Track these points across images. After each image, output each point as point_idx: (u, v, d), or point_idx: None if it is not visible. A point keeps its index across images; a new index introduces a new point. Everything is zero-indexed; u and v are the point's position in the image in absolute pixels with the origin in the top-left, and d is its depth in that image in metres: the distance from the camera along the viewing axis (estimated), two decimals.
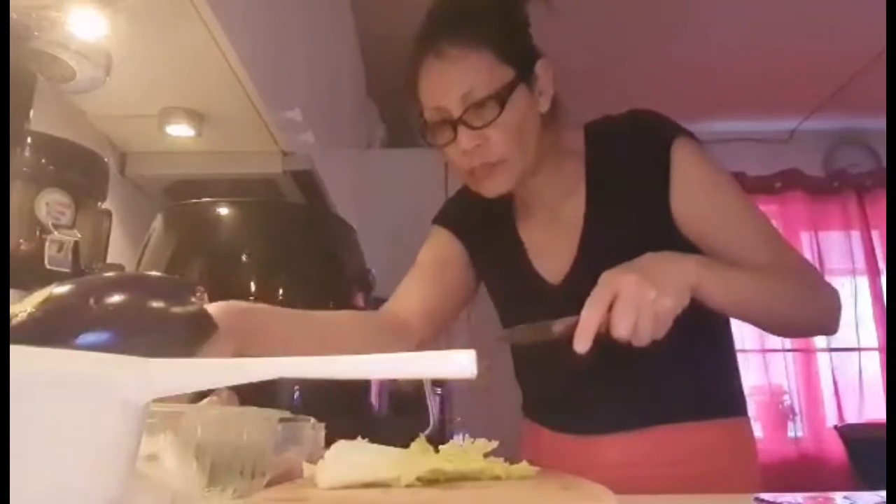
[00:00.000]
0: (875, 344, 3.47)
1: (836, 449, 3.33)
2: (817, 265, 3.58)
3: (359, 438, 0.61)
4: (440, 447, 0.60)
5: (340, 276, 1.32)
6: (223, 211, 1.26)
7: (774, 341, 3.35)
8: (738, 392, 1.04)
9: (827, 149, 3.75)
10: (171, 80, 1.30)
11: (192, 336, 0.71)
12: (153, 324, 0.68)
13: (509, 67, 0.90)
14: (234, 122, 1.44)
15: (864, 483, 3.19)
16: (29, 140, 0.99)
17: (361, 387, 1.34)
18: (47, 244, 0.95)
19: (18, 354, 0.26)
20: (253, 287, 1.19)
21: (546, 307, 0.79)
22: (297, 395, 1.17)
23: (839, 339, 3.44)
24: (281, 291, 1.21)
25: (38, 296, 0.64)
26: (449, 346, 0.35)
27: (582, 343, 0.74)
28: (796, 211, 3.65)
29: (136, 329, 0.66)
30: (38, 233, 0.95)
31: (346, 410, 1.21)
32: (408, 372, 0.36)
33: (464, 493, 0.53)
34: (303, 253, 1.26)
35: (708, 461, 0.95)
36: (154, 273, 1.10)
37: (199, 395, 0.73)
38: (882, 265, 3.55)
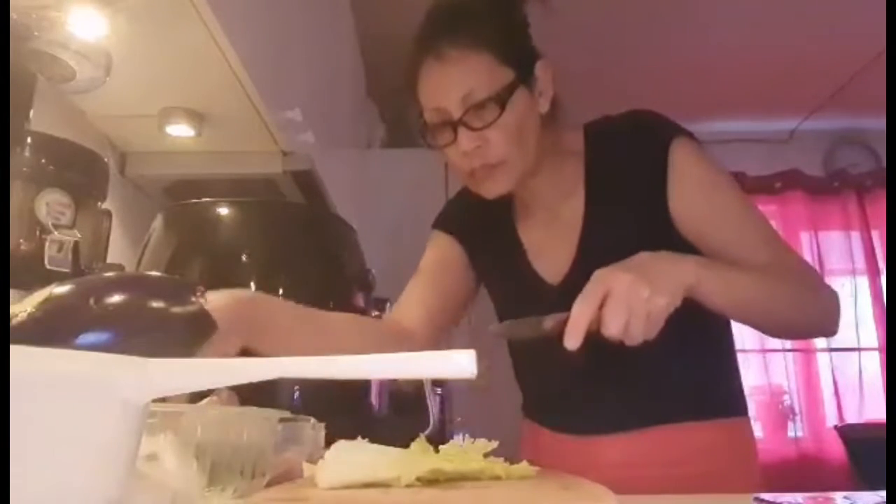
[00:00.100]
0: (875, 344, 3.47)
1: (836, 449, 3.33)
2: (817, 265, 3.58)
3: (359, 438, 0.61)
4: (440, 447, 0.60)
5: (340, 276, 1.32)
6: (223, 211, 1.26)
7: (774, 341, 3.35)
8: (738, 392, 1.04)
9: (827, 149, 3.75)
10: (171, 80, 1.30)
11: (192, 336, 0.71)
12: (153, 324, 0.68)
13: (509, 69, 0.90)
14: (234, 122, 1.44)
15: (864, 483, 3.19)
16: (29, 140, 0.99)
17: (361, 387, 1.34)
18: (47, 244, 0.95)
19: (18, 354, 0.26)
20: (253, 287, 1.19)
21: (545, 307, 0.78)
22: (297, 395, 1.17)
23: (839, 339, 3.44)
24: (281, 291, 1.21)
25: (38, 296, 0.64)
26: (449, 346, 0.35)
27: (572, 339, 0.73)
28: (796, 211, 3.65)
29: (136, 329, 0.66)
30: (38, 233, 0.95)
31: (346, 410, 1.21)
32: (408, 372, 0.36)
33: (464, 493, 0.53)
34: (303, 253, 1.26)
35: (708, 461, 0.95)
36: (154, 273, 1.10)
37: (199, 395, 0.73)
38: (882, 265, 3.55)
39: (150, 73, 1.27)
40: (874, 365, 3.46)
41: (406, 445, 0.59)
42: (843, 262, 3.61)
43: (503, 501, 0.51)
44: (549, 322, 0.77)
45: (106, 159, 1.11)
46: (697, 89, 3.22)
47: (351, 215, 1.85)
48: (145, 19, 1.09)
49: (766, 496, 0.65)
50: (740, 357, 1.07)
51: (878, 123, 3.49)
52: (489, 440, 0.61)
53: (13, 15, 0.94)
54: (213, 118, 1.43)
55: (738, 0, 2.64)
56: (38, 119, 1.08)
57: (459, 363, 0.33)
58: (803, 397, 3.48)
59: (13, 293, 0.86)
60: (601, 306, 0.74)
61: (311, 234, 1.31)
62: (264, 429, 0.59)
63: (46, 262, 0.95)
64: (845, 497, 0.65)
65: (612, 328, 0.73)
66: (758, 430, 3.35)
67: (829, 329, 0.93)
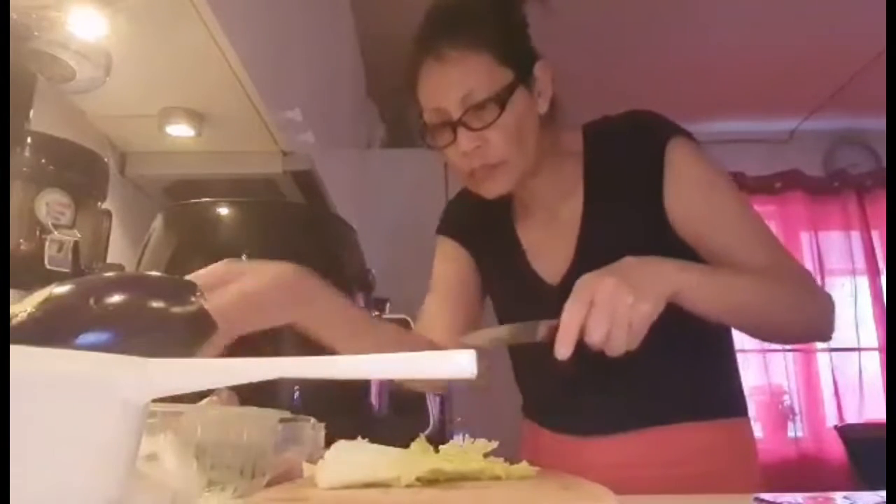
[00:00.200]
0: (875, 344, 3.47)
1: (836, 449, 3.33)
2: (817, 265, 3.59)
3: (359, 438, 0.61)
4: (440, 447, 0.60)
5: (340, 276, 1.32)
6: (223, 211, 1.26)
7: None
8: (737, 392, 1.04)
9: (827, 149, 3.75)
10: (171, 80, 1.30)
11: (192, 336, 0.71)
12: (153, 324, 0.67)
13: (508, 69, 0.90)
14: (234, 122, 1.44)
15: (864, 483, 3.19)
16: (29, 140, 0.99)
17: (361, 387, 1.34)
18: (47, 244, 0.95)
19: (18, 354, 0.26)
20: None
21: (545, 308, 0.78)
22: (297, 395, 1.17)
23: (839, 339, 3.44)
24: None
25: (38, 296, 0.64)
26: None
27: (564, 349, 0.73)
28: (796, 211, 3.65)
29: (136, 329, 0.66)
30: (38, 233, 0.95)
31: (346, 410, 1.21)
32: (408, 372, 0.36)
33: (464, 493, 0.53)
34: (303, 253, 1.26)
35: (708, 461, 0.95)
36: (154, 273, 1.09)
37: (199, 395, 0.73)
38: (882, 265, 3.55)
39: (150, 73, 1.27)
40: (874, 365, 3.46)
41: (406, 445, 0.59)
42: (843, 262, 3.61)
43: (503, 501, 0.51)
44: (543, 329, 0.76)
45: (106, 159, 1.11)
46: (697, 89, 3.22)
47: (351, 215, 1.85)
48: (145, 19, 1.09)
49: (766, 496, 0.65)
50: (740, 357, 1.07)
51: (878, 123, 3.49)
52: (489, 440, 0.61)
53: (13, 15, 0.94)
54: (213, 118, 1.43)
55: (738, 0, 2.64)
56: (38, 119, 1.08)
57: (459, 363, 0.33)
58: (803, 397, 3.48)
59: (13, 293, 0.86)
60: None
61: (311, 234, 1.31)
62: (264, 429, 0.59)
63: (46, 262, 0.95)
64: (845, 497, 0.65)
65: (595, 336, 0.72)
66: (758, 430, 3.35)
67: (824, 334, 0.92)
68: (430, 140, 0.94)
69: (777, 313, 0.87)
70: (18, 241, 0.94)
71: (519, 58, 0.92)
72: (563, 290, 0.81)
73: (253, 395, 0.59)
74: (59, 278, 0.74)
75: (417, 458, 0.57)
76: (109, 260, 1.21)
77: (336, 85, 2.25)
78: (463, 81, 0.88)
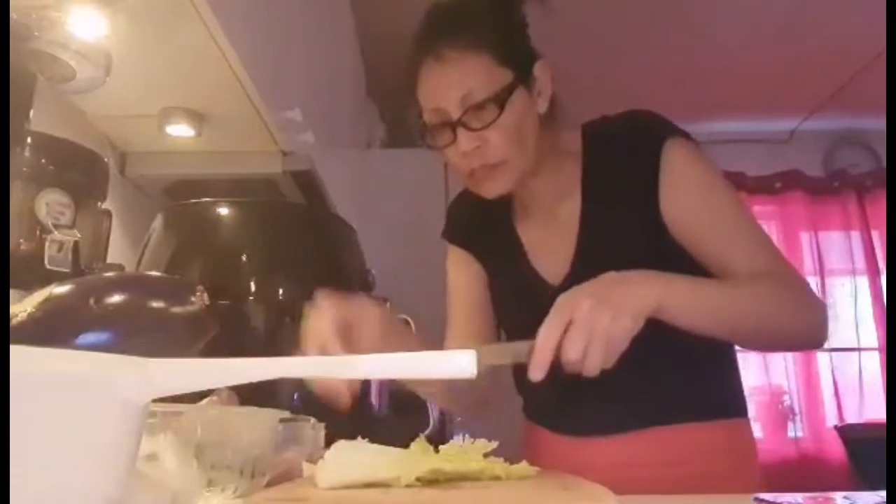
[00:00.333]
0: (875, 344, 3.47)
1: (836, 449, 3.33)
2: (817, 265, 3.59)
3: (359, 438, 0.61)
4: (440, 447, 0.60)
5: (340, 276, 1.32)
6: (223, 211, 1.26)
7: None
8: (738, 393, 1.04)
9: (827, 149, 3.75)
10: (171, 80, 1.30)
11: (192, 336, 0.71)
12: (153, 324, 0.68)
13: (508, 69, 0.90)
14: (234, 122, 1.44)
15: (864, 483, 3.19)
16: (29, 140, 0.99)
17: (361, 387, 1.34)
18: (47, 244, 0.95)
19: (18, 354, 0.26)
20: (253, 287, 1.19)
21: (546, 308, 0.78)
22: (296, 395, 1.17)
23: (839, 339, 3.44)
24: (281, 291, 1.21)
25: (38, 296, 0.64)
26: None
27: (538, 371, 0.72)
28: (796, 211, 3.65)
29: (136, 329, 0.66)
30: (38, 233, 0.95)
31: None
32: (408, 372, 0.36)
33: (464, 493, 0.53)
34: (303, 253, 1.26)
35: (708, 462, 0.95)
36: (154, 273, 1.10)
37: (199, 395, 0.73)
38: (882, 265, 3.55)
39: (150, 73, 1.27)
40: (874, 365, 3.46)
41: (406, 445, 0.59)
42: (843, 262, 3.61)
43: (503, 501, 0.51)
44: (524, 348, 0.75)
45: (106, 159, 1.11)
46: (697, 89, 3.22)
47: (351, 215, 1.85)
48: (145, 19, 1.09)
49: (766, 496, 0.65)
50: (740, 357, 1.07)
51: (878, 123, 3.49)
52: (489, 440, 0.61)
53: (13, 15, 0.94)
54: (213, 118, 1.43)
55: (738, 0, 2.64)
56: (38, 119, 1.08)
57: (459, 363, 0.33)
58: (803, 397, 3.48)
59: (13, 293, 0.86)
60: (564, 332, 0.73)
61: (311, 234, 1.31)
62: (264, 429, 0.59)
63: (46, 262, 0.95)
64: (845, 497, 0.65)
65: (571, 355, 0.72)
66: (758, 430, 3.35)
67: (817, 342, 0.92)
68: (429, 140, 0.94)
69: (768, 325, 0.87)
70: (18, 241, 0.94)
71: (518, 58, 0.92)
72: (564, 291, 0.81)
73: (253, 395, 0.59)
74: (59, 278, 0.74)
75: (417, 458, 0.57)
76: (109, 260, 1.21)
77: (336, 85, 2.25)
78: (462, 82, 0.88)
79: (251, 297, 1.17)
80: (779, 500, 0.64)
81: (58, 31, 1.00)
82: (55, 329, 0.62)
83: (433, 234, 1.21)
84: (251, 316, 1.18)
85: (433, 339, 1.12)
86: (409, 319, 1.44)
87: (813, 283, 3.53)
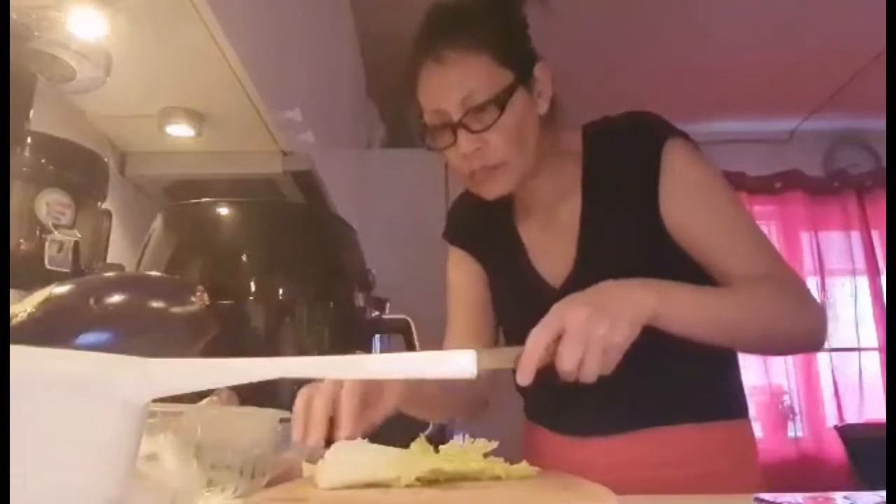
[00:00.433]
0: (875, 344, 3.47)
1: (836, 449, 3.33)
2: (817, 265, 3.59)
3: (359, 438, 0.61)
4: (440, 447, 0.60)
5: (340, 276, 1.32)
6: (223, 211, 1.26)
7: None
8: (738, 393, 1.04)
9: (827, 149, 3.75)
10: (171, 80, 1.30)
11: (192, 336, 0.71)
12: (153, 324, 0.68)
13: (508, 70, 0.90)
14: (234, 122, 1.44)
15: (864, 483, 3.19)
16: (29, 140, 0.99)
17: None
18: (47, 244, 0.95)
19: (18, 354, 0.26)
20: (253, 287, 1.19)
21: (546, 309, 0.78)
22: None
23: (839, 339, 3.44)
24: (281, 291, 1.21)
25: (38, 296, 0.64)
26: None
27: (524, 376, 0.72)
28: (796, 211, 3.65)
29: (136, 329, 0.66)
30: (38, 233, 0.95)
31: None
32: (408, 372, 0.36)
33: (464, 493, 0.53)
34: (303, 253, 1.26)
35: (708, 462, 0.95)
36: (154, 273, 1.10)
37: (199, 395, 0.73)
38: (882, 265, 3.55)
39: (150, 73, 1.27)
40: (874, 365, 3.46)
41: (406, 445, 0.59)
42: (843, 262, 3.61)
43: (503, 501, 0.52)
44: (516, 353, 0.75)
45: (106, 159, 1.11)
46: (697, 89, 3.22)
47: (351, 215, 1.85)
48: (145, 19, 1.09)
49: (766, 496, 0.65)
50: (740, 357, 1.07)
51: (878, 123, 3.49)
52: (489, 440, 0.61)
53: (13, 15, 0.94)
54: (213, 118, 1.43)
55: (738, 0, 2.64)
56: (38, 119, 1.08)
57: (459, 363, 0.33)
58: (803, 397, 3.48)
59: (13, 293, 0.86)
60: (560, 340, 0.73)
61: (311, 234, 1.31)
62: (264, 429, 0.59)
63: (46, 262, 0.95)
64: (845, 497, 0.65)
65: (567, 364, 0.72)
66: (758, 430, 3.33)
67: (815, 345, 0.92)
68: (430, 142, 0.94)
69: (768, 332, 0.87)
70: (18, 241, 0.94)
71: (519, 59, 0.92)
72: (566, 293, 0.81)
73: (253, 395, 0.59)
74: (59, 278, 0.74)
75: (417, 458, 0.57)
76: (109, 260, 1.21)
77: (336, 85, 2.25)
78: (462, 83, 0.88)
79: (251, 297, 1.17)
80: (779, 500, 0.63)
81: (58, 31, 1.00)
82: (55, 329, 0.62)
83: (433, 235, 1.21)
84: (251, 316, 1.17)
85: (433, 339, 1.12)
86: (409, 320, 1.44)
87: (813, 283, 3.53)
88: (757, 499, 0.64)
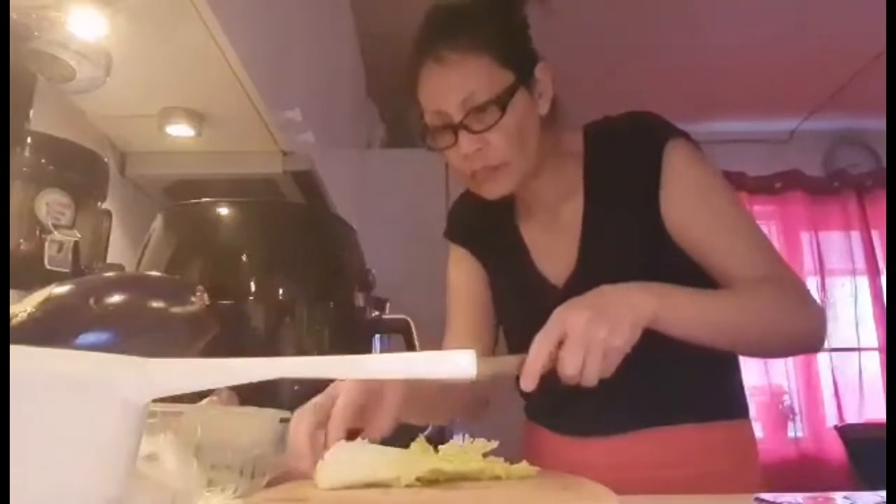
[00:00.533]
0: (875, 344, 3.47)
1: (836, 449, 3.33)
2: (817, 265, 3.59)
3: (359, 438, 0.61)
4: (440, 447, 0.60)
5: (340, 276, 1.32)
6: (223, 211, 1.26)
7: None
8: (739, 393, 1.04)
9: (827, 149, 3.75)
10: (171, 80, 1.30)
11: (192, 336, 0.71)
12: (153, 324, 0.68)
13: (509, 71, 0.89)
14: (234, 122, 1.44)
15: (864, 483, 3.19)
16: (29, 140, 0.99)
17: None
18: (47, 244, 0.95)
19: (18, 354, 0.26)
20: (253, 287, 1.19)
21: (548, 310, 0.78)
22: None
23: (839, 339, 3.44)
24: (281, 291, 1.21)
25: (38, 296, 0.64)
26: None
27: (528, 382, 0.73)
28: (796, 211, 3.65)
29: (136, 329, 0.66)
30: (38, 233, 0.95)
31: None
32: (408, 372, 0.36)
33: (464, 493, 0.53)
34: (303, 253, 1.26)
35: (708, 462, 0.95)
36: (154, 273, 1.09)
37: (199, 395, 0.73)
38: (882, 265, 3.55)
39: (150, 73, 1.27)
40: (874, 365, 3.46)
41: (406, 445, 0.59)
42: (843, 262, 3.61)
43: (503, 501, 0.52)
44: (517, 360, 0.75)
45: (106, 159, 1.11)
46: (697, 89, 3.22)
47: (351, 215, 1.85)
48: (145, 19, 1.09)
49: (766, 496, 0.65)
50: (740, 357, 1.07)
51: (878, 123, 3.49)
52: (489, 440, 0.61)
53: (13, 15, 0.94)
54: (213, 118, 1.43)
55: (738, 0, 2.64)
56: (38, 119, 1.08)
57: (459, 363, 0.33)
58: (803, 397, 3.48)
59: (13, 293, 0.86)
60: (561, 344, 0.73)
61: (311, 234, 1.31)
62: (264, 429, 0.59)
63: (46, 262, 0.95)
64: (845, 497, 0.65)
65: (568, 369, 0.72)
66: (758, 430, 3.32)
67: (814, 348, 0.92)
68: (430, 142, 0.94)
69: (768, 335, 0.87)
70: (18, 241, 0.94)
71: (519, 59, 0.92)
72: (567, 293, 0.81)
73: (253, 395, 0.59)
74: (59, 278, 0.74)
75: (417, 458, 0.57)
76: (109, 260, 1.21)
77: (336, 85, 2.25)
78: (463, 84, 0.88)
79: (251, 297, 1.17)
80: (779, 500, 0.64)
81: (58, 31, 1.00)
82: (55, 329, 0.62)
83: (433, 235, 1.21)
84: (251, 316, 1.17)
85: (433, 339, 1.12)
86: (408, 320, 1.44)
87: (813, 283, 3.53)
88: (757, 499, 0.64)
